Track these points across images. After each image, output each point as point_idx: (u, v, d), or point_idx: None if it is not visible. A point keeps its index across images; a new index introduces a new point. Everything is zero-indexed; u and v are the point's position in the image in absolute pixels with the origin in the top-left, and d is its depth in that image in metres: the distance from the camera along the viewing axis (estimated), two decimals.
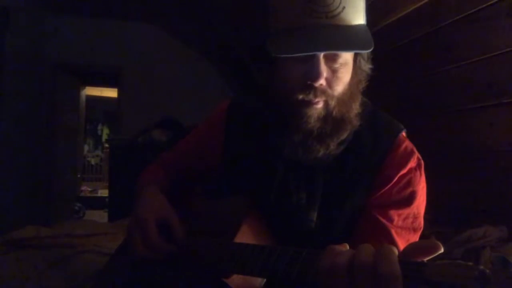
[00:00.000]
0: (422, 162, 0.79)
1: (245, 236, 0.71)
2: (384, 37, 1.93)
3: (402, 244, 0.73)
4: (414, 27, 1.80)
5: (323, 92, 0.71)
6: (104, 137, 9.22)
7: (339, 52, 0.71)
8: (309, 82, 0.70)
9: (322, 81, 0.70)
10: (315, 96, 0.71)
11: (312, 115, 0.72)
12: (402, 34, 1.89)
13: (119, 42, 4.40)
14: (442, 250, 0.44)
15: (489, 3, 1.42)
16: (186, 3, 3.47)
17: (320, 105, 0.72)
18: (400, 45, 1.94)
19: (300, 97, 0.71)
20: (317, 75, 0.69)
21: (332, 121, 0.73)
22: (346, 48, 0.69)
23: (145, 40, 4.43)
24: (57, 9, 4.15)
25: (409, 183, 0.76)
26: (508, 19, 1.38)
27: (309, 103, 0.72)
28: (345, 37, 0.68)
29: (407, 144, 0.80)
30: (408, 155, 0.78)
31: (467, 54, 1.60)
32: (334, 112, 0.73)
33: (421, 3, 1.68)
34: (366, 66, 0.79)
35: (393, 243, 0.72)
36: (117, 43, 4.40)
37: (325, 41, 0.66)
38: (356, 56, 0.76)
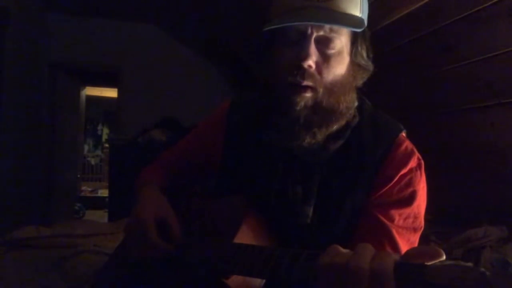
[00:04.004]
0: (422, 162, 0.79)
1: (244, 236, 0.71)
2: (384, 37, 1.93)
3: (402, 244, 0.73)
4: (414, 27, 1.80)
5: (311, 76, 0.72)
6: (104, 137, 9.20)
7: (330, 36, 0.72)
8: (298, 63, 0.71)
9: (310, 62, 0.71)
10: (303, 78, 0.72)
11: (299, 102, 0.72)
12: (402, 34, 1.89)
13: (119, 42, 4.40)
14: (444, 258, 0.44)
15: (489, 3, 1.42)
16: (186, 3, 3.47)
17: (308, 93, 0.72)
18: (400, 45, 1.94)
19: (289, 79, 0.72)
20: (305, 55, 0.70)
21: (321, 111, 0.73)
22: (334, 23, 0.70)
23: (145, 40, 4.43)
24: (57, 9, 4.15)
25: (410, 182, 0.76)
26: (508, 19, 1.38)
27: (297, 87, 0.72)
28: (335, 16, 0.70)
29: (407, 144, 0.80)
30: (408, 155, 0.78)
31: (467, 54, 1.60)
32: (324, 102, 0.73)
33: (421, 3, 1.68)
34: (365, 63, 0.79)
35: (394, 242, 0.72)
36: (117, 43, 4.40)
37: (314, 16, 0.69)
38: (352, 49, 0.76)
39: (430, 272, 0.42)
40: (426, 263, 0.44)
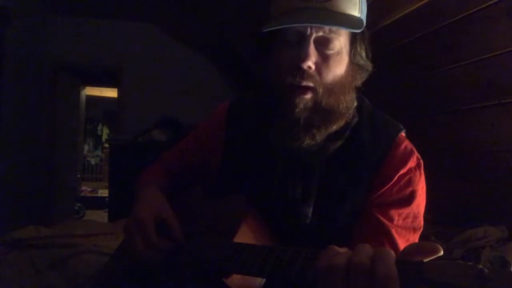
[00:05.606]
0: (422, 162, 0.79)
1: (244, 236, 0.71)
2: (384, 37, 1.94)
3: (402, 244, 0.73)
4: (414, 27, 1.80)
5: (311, 76, 0.72)
6: (104, 137, 9.21)
7: (329, 36, 0.72)
8: (297, 64, 0.71)
9: (310, 63, 0.71)
10: (302, 79, 0.72)
11: (299, 104, 0.73)
12: (402, 34, 1.89)
13: (119, 42, 4.40)
14: (442, 253, 0.44)
15: (489, 3, 1.42)
16: (186, 3, 3.48)
17: (308, 95, 0.73)
18: (400, 45, 1.94)
19: (289, 80, 0.73)
20: (305, 56, 0.70)
21: (321, 111, 0.74)
22: (333, 23, 0.71)
23: (145, 40, 4.43)
24: (57, 9, 4.15)
25: (409, 182, 0.76)
26: (508, 19, 1.38)
27: (297, 89, 0.73)
28: (334, 17, 0.70)
29: (407, 144, 0.80)
30: (407, 155, 0.78)
31: (467, 54, 1.60)
32: (323, 103, 0.73)
33: (421, 3, 1.68)
34: (365, 63, 0.79)
35: (393, 242, 0.72)
36: (117, 43, 4.40)
37: (313, 17, 0.69)
38: (351, 49, 0.76)
39: (428, 269, 0.42)
40: (424, 260, 0.44)
